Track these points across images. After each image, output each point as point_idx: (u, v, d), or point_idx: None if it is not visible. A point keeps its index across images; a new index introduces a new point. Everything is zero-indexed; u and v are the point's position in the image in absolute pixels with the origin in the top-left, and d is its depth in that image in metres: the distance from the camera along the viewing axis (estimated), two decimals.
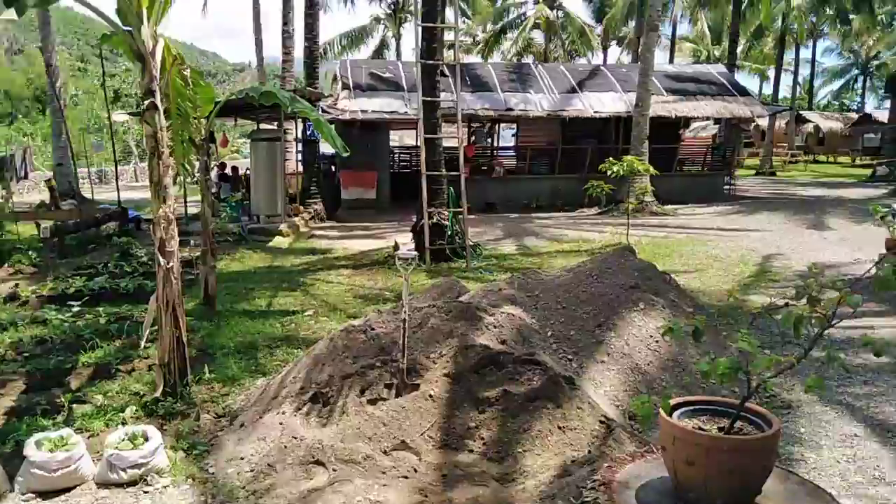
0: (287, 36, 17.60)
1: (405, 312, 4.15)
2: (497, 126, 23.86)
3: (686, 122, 22.30)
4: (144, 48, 4.59)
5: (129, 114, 18.85)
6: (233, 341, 6.34)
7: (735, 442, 2.30)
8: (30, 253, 10.47)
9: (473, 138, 23.23)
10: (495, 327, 4.76)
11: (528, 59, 35.17)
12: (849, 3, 28.13)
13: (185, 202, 14.43)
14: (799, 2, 25.89)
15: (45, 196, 16.57)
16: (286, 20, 17.42)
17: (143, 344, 5.45)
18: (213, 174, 16.64)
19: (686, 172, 21.22)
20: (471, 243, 10.83)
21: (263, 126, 17.11)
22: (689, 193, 19.08)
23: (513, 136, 24.18)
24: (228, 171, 18.78)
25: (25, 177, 26.14)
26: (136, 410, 4.48)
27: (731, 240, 12.04)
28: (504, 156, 22.33)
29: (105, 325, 6.53)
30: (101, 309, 7.15)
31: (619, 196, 15.72)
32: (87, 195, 18.69)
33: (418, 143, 10.49)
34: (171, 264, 4.62)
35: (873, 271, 2.54)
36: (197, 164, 7.24)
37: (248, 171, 16.09)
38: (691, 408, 2.50)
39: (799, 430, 4.18)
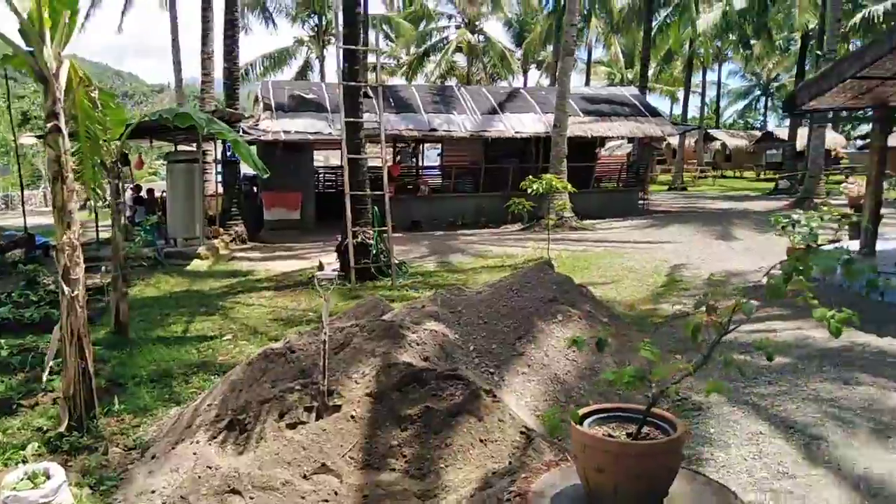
0: (206, 57, 17.24)
1: (325, 333, 4.11)
2: (421, 146, 24.07)
3: (602, 141, 23.12)
4: (47, 70, 4.41)
5: (37, 136, 17.95)
6: (146, 370, 6.11)
7: (642, 447, 2.38)
8: None
9: (399, 158, 23.35)
10: (418, 344, 4.77)
11: (452, 82, 35.73)
12: (749, 29, 30.00)
13: (97, 227, 13.82)
14: (704, 28, 27.38)
15: None
16: (205, 41, 17.07)
17: (45, 377, 5.16)
18: (128, 197, 16.03)
19: (603, 189, 21.98)
20: (396, 262, 10.83)
21: (182, 147, 16.64)
22: (606, 209, 19.76)
23: (438, 155, 24.45)
24: (144, 193, 18.10)
25: None
26: (39, 447, 4.23)
27: (646, 252, 12.51)
28: (429, 175, 22.54)
29: (7, 358, 6.15)
30: (2, 341, 6.73)
31: (540, 212, 16.12)
32: None
33: (343, 164, 10.48)
34: (75, 292, 4.42)
35: (769, 280, 2.70)
36: (108, 187, 6.98)
37: (164, 194, 15.59)
38: (602, 415, 2.57)
39: (709, 430, 4.36)
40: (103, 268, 8.79)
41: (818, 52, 25.25)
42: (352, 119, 9.87)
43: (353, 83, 9.93)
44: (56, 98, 4.44)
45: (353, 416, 4.13)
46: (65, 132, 4.49)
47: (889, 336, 6.46)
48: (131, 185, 17.52)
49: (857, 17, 24.53)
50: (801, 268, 2.13)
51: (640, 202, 21.84)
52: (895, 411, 4.56)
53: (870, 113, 10.57)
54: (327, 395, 4.22)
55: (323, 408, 4.22)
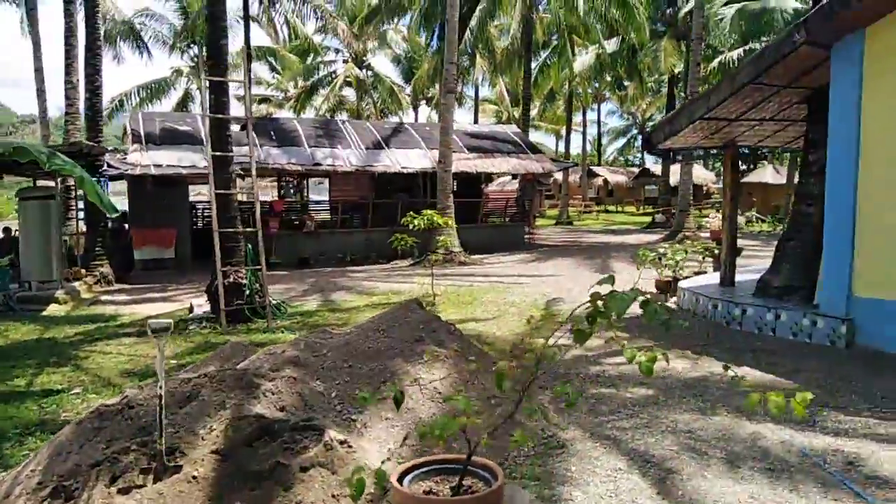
0: (71, 87, 16.17)
1: (160, 388, 3.77)
2: (306, 181, 23.68)
3: (489, 176, 23.66)
4: None
5: None
6: None
7: (455, 502, 2.27)
8: None
9: (283, 192, 22.83)
10: (273, 393, 4.49)
11: (343, 116, 35.55)
12: (623, 72, 31.94)
13: None
14: (581, 70, 28.87)
15: None
16: (69, 70, 16.03)
17: None
18: None
19: (491, 224, 22.42)
20: (274, 302, 10.40)
21: (43, 182, 15.43)
22: (494, 243, 20.15)
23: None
24: (0, 233, 16.57)
25: None
26: None
27: (528, 286, 12.74)
28: (317, 210, 22.16)
29: None
30: None
31: (430, 247, 16.17)
32: None
33: (211, 199, 10.00)
34: None
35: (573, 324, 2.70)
36: None
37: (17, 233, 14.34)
38: (426, 468, 2.45)
39: (570, 468, 4.33)
40: None
41: (683, 94, 27.22)
42: (219, 153, 9.47)
43: (220, 115, 9.55)
44: None
45: (195, 477, 3.79)
46: None
47: (745, 365, 6.78)
48: None
49: (715, 62, 26.70)
50: (602, 310, 2.12)
51: (526, 236, 22.40)
52: (746, 440, 4.72)
53: None
54: (166, 455, 3.86)
55: (161, 469, 3.85)
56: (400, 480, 2.30)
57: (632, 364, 2.18)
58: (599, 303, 2.08)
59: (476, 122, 37.23)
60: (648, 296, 2.07)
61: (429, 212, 11.36)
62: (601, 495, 3.96)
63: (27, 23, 22.90)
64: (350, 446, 3.93)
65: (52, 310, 11.36)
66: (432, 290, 11.45)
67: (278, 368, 4.87)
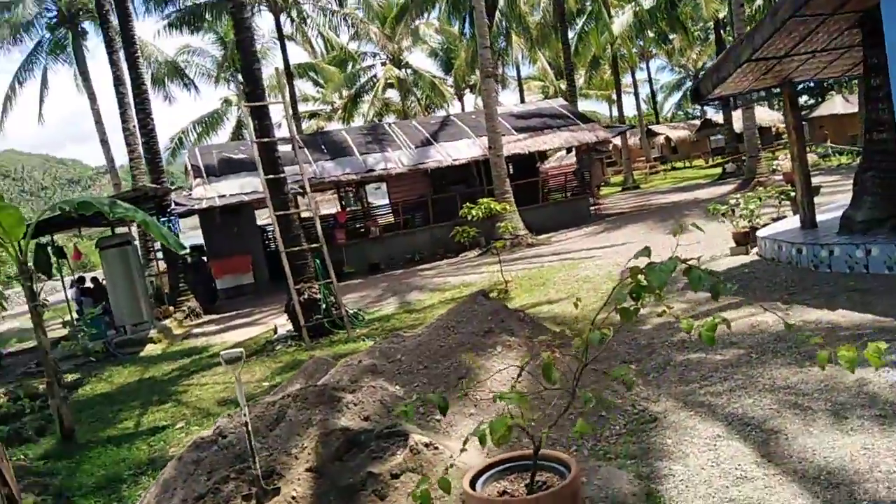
0: (129, 133, 16.95)
1: (245, 415, 3.87)
2: (364, 187, 24.02)
3: (543, 154, 23.27)
4: None
5: None
6: (94, 477, 5.76)
7: (531, 502, 2.22)
8: None
9: (344, 202, 23.22)
10: (356, 405, 4.55)
11: (390, 118, 35.78)
12: (665, 25, 30.73)
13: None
14: (621, 31, 27.95)
15: None
16: (124, 117, 16.79)
17: None
18: (72, 293, 15.50)
19: (553, 201, 22.06)
20: (352, 311, 10.57)
21: (121, 230, 16.24)
22: (559, 220, 19.84)
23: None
24: (89, 284, 17.55)
25: None
26: None
27: (600, 258, 12.47)
28: (380, 214, 22.43)
29: None
30: None
31: (495, 234, 16.07)
32: None
33: (272, 222, 10.26)
34: None
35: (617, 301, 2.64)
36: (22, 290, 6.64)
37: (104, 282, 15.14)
38: (500, 468, 2.41)
39: (665, 442, 4.19)
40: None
41: (731, 38, 25.96)
42: (272, 175, 9.68)
43: (265, 139, 9.76)
44: None
45: (294, 497, 3.88)
46: None
47: (840, 308, 6.40)
48: (74, 278, 16.98)
49: (760, 0, 25.29)
50: (644, 284, 2.02)
51: (592, 208, 21.92)
52: (851, 388, 4.45)
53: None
54: (264, 479, 3.96)
55: (262, 493, 3.96)
56: (473, 483, 2.27)
57: (699, 330, 2.05)
58: (640, 276, 1.98)
59: (522, 101, 36.72)
60: (691, 262, 1.96)
61: (485, 200, 11.28)
62: (702, 466, 3.81)
63: (80, 78, 24.08)
64: (437, 447, 3.94)
65: (149, 350, 11.93)
66: (502, 277, 11.36)
67: (357, 379, 4.94)
